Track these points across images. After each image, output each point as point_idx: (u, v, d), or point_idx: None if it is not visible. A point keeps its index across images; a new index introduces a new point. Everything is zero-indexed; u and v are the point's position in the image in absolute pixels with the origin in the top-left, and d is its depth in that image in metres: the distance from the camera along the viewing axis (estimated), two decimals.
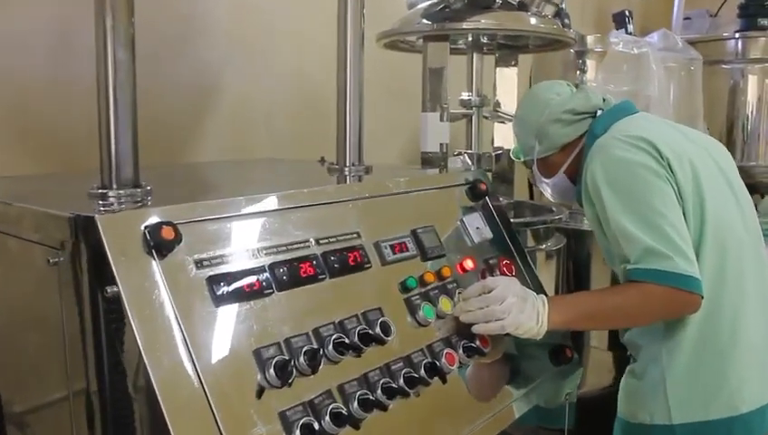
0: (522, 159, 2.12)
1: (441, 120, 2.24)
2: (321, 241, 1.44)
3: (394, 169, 2.15)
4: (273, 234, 1.37)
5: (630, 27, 3.60)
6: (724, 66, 4.01)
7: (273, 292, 1.31)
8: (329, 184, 1.77)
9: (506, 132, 2.66)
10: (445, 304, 1.59)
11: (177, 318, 1.17)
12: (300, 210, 1.44)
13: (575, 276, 2.54)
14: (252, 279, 1.28)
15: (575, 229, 2.66)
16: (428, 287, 1.59)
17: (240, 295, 1.26)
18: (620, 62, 3.06)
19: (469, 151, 2.50)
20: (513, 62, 2.61)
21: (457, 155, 2.44)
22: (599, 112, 1.95)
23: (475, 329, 1.58)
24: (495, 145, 2.68)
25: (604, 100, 2.00)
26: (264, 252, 1.34)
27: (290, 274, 1.34)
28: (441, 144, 2.22)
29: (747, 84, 3.99)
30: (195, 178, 1.89)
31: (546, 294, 1.70)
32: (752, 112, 4.00)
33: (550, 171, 2.03)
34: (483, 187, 1.87)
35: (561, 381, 1.82)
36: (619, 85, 3.00)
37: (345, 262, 1.45)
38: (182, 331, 1.16)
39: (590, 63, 3.13)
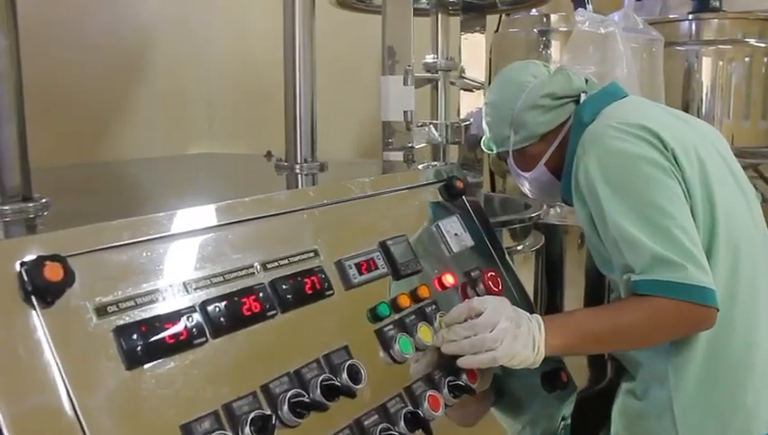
0: (494, 152, 1.79)
1: (405, 83, 1.88)
2: (269, 265, 1.08)
3: (352, 164, 1.80)
4: (205, 261, 1.00)
5: (589, 8, 3.32)
6: (678, 48, 3.81)
7: (207, 340, 0.95)
8: (279, 188, 1.42)
9: (474, 102, 2.30)
10: (424, 333, 1.25)
11: (69, 392, 0.80)
12: (241, 226, 1.07)
13: (549, 279, 2.23)
14: (178, 326, 0.92)
15: (547, 224, 2.35)
16: (404, 313, 1.25)
17: (161, 350, 0.90)
18: (586, 42, 2.76)
19: (435, 122, 2.14)
20: (478, 28, 2.25)
21: (421, 126, 2.09)
22: (582, 96, 1.63)
23: (461, 362, 1.25)
24: (462, 117, 2.31)
25: (587, 81, 1.68)
26: (194, 286, 0.97)
27: (229, 313, 0.98)
28: (405, 112, 1.86)
29: (701, 66, 3.80)
30: (110, 183, 1.49)
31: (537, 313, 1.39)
32: (706, 95, 3.82)
33: (528, 164, 1.70)
34: (460, 185, 1.53)
35: (557, 406, 1.50)
36: (585, 66, 2.70)
37: (301, 291, 1.09)
38: (76, 412, 0.79)
39: (554, 45, 2.82)
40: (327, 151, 2.83)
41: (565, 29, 2.80)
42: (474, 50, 2.26)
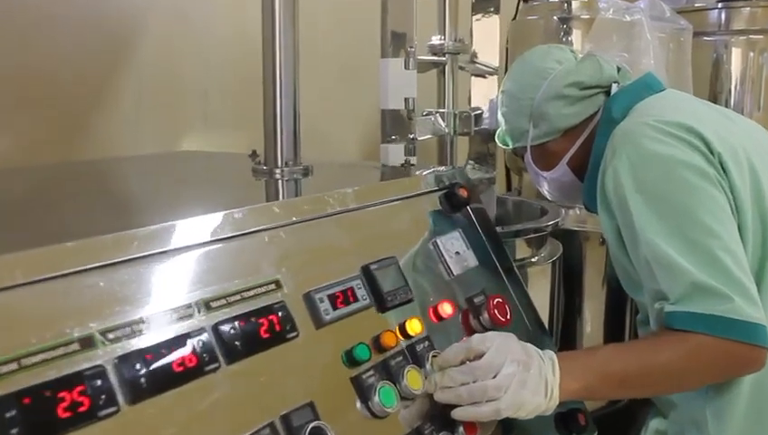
0: (510, 147, 1.53)
1: (406, 67, 1.61)
2: (212, 304, 0.83)
3: (345, 167, 1.54)
4: (124, 303, 0.76)
5: None
6: (706, 38, 3.52)
7: (119, 409, 0.71)
8: (252, 197, 1.17)
9: (487, 90, 1.99)
10: (413, 379, 0.99)
11: None
12: (177, 256, 0.83)
13: (567, 292, 1.95)
14: (78, 393, 0.68)
15: (564, 230, 2.07)
16: (388, 355, 0.99)
17: (63, 425, 0.66)
18: (610, 30, 2.49)
19: (441, 111, 1.87)
20: (492, 9, 1.96)
21: (427, 115, 1.82)
22: (614, 87, 1.37)
23: (457, 414, 1.00)
24: (473, 105, 2.00)
25: (619, 70, 1.42)
26: (105, 339, 0.73)
27: (151, 372, 0.74)
28: (407, 99, 1.61)
29: (731, 57, 3.51)
30: (46, 192, 1.24)
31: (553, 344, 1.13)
32: (735, 87, 3.54)
33: (548, 163, 1.45)
34: (463, 193, 1.27)
35: None
36: (608, 57, 2.43)
37: (254, 335, 0.84)
38: None
39: (576, 33, 2.54)
40: (332, 151, 2.59)
41: (587, 16, 2.53)
42: (487, 33, 1.96)
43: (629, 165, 1.17)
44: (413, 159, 1.57)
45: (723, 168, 1.15)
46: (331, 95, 2.47)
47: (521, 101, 1.44)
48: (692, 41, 2.96)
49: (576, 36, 2.54)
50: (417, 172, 1.36)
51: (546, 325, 1.86)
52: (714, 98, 3.48)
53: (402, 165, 1.41)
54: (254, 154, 1.56)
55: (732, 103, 3.51)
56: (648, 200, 1.14)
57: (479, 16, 1.94)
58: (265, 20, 1.29)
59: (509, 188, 2.83)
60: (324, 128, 2.49)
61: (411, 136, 1.65)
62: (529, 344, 1.07)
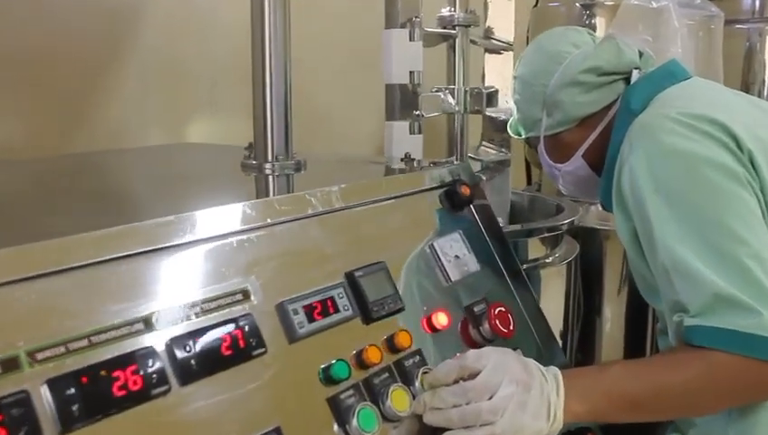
0: (523, 136, 1.41)
1: (411, 38, 1.51)
2: (165, 318, 0.73)
3: (342, 162, 1.43)
4: (65, 317, 0.66)
5: None
6: (739, 26, 3.33)
7: None
8: (237, 194, 1.07)
9: (502, 67, 1.86)
10: (398, 399, 0.88)
11: None
12: (129, 263, 0.73)
13: (585, 295, 1.82)
14: (6, 419, 0.59)
15: (584, 228, 1.93)
16: (372, 372, 0.89)
17: None
18: (635, 17, 2.33)
19: (451, 87, 1.74)
20: None
21: (436, 92, 1.70)
22: (634, 74, 1.25)
23: None
24: (487, 84, 1.87)
25: (641, 56, 1.29)
26: (31, 359, 0.63)
27: (90, 396, 0.65)
28: (411, 72, 1.50)
29: (765, 46, 3.32)
30: (19, 187, 1.16)
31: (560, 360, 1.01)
32: None
33: (562, 154, 1.34)
34: (465, 191, 1.15)
35: None
36: (631, 41, 2.29)
37: (212, 352, 0.74)
38: None
39: (599, 21, 2.40)
40: (347, 141, 2.47)
41: (611, 3, 2.40)
42: (501, 6, 1.83)
43: (647, 162, 1.05)
44: (417, 152, 1.46)
45: (753, 166, 1.02)
46: (345, 82, 2.35)
47: (533, 87, 1.33)
48: (723, 29, 2.79)
49: (600, 23, 2.40)
50: (423, 166, 1.24)
51: (560, 331, 1.75)
52: (746, 89, 3.29)
53: (402, 159, 1.30)
54: (250, 147, 1.47)
55: (765, 95, 3.33)
56: (668, 202, 1.02)
57: None
58: (254, 4, 1.19)
59: (529, 182, 2.69)
60: (338, 116, 2.38)
61: (417, 113, 1.53)
62: (530, 361, 0.95)
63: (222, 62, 2.11)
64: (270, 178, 1.20)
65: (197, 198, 1.03)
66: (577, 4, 2.40)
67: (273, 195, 1.14)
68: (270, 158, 1.22)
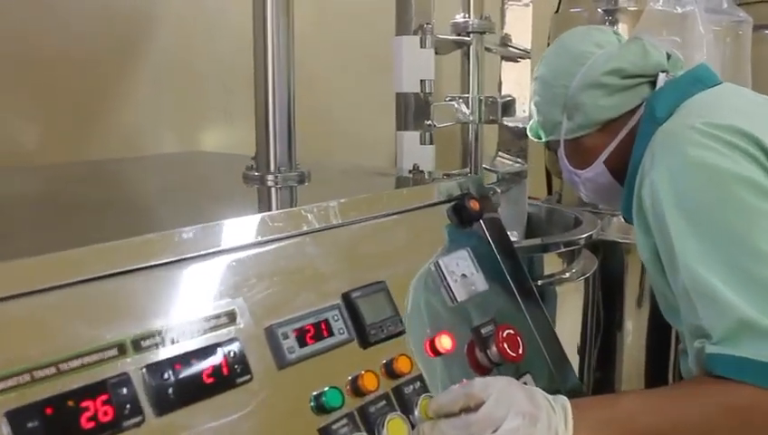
0: (543, 140, 1.35)
1: (422, 45, 1.46)
2: (143, 343, 0.68)
3: (348, 174, 1.37)
4: (29, 341, 0.62)
5: None
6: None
7: None
8: (233, 208, 1.02)
9: (519, 76, 1.79)
10: (395, 429, 0.82)
11: None
12: (105, 283, 0.68)
13: (605, 312, 1.74)
14: None
15: (604, 241, 1.85)
16: (368, 400, 0.83)
17: None
18: (659, 23, 2.26)
19: (465, 96, 1.68)
20: None
21: (450, 101, 1.64)
22: (661, 77, 1.17)
23: None
24: (504, 93, 1.81)
25: (669, 58, 1.21)
26: (3, 386, 0.59)
27: (55, 427, 0.60)
28: (423, 81, 1.45)
29: None
30: (25, 197, 1.12)
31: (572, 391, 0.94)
32: None
33: (583, 160, 1.27)
34: (474, 205, 1.09)
35: None
36: (661, 47, 2.21)
37: (192, 380, 0.69)
38: None
39: (622, 27, 2.32)
40: (365, 149, 2.42)
41: (635, 8, 2.32)
42: (519, 14, 1.77)
43: (670, 176, 0.98)
44: (428, 163, 1.40)
45: None
46: (361, 89, 2.30)
47: (554, 88, 1.27)
48: (752, 35, 2.68)
49: (622, 30, 2.31)
50: (435, 178, 1.18)
51: (578, 347, 1.67)
52: None
53: (411, 171, 1.24)
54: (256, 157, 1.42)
55: None
56: (691, 220, 0.94)
57: (511, 4, 1.75)
58: (256, 9, 1.14)
59: (550, 192, 2.61)
60: (354, 124, 2.33)
61: (428, 123, 1.48)
62: (537, 391, 0.88)
63: (237, 69, 2.06)
64: (272, 190, 1.15)
65: (189, 213, 0.98)
66: (599, 10, 2.32)
67: (276, 208, 1.09)
68: (272, 169, 1.17)
